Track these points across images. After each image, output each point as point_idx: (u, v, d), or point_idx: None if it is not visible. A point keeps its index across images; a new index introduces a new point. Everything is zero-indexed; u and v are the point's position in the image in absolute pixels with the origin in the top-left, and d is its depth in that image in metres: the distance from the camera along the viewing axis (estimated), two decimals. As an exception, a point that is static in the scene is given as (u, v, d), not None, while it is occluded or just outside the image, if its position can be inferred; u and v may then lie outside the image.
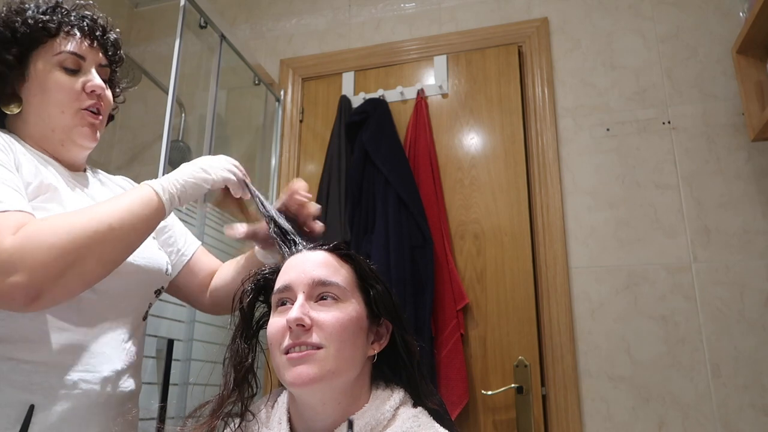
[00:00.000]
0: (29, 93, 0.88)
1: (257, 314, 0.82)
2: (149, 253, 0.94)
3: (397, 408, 0.73)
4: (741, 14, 1.81)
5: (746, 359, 1.60)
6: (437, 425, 0.73)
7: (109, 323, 0.87)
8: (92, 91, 0.90)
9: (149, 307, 0.98)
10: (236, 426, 0.75)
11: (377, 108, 2.02)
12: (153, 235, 1.01)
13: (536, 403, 1.68)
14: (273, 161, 2.20)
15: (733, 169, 1.74)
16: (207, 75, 1.92)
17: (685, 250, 1.72)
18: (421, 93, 2.06)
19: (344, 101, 2.12)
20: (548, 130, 1.93)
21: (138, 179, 1.10)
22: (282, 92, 2.27)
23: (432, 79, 2.10)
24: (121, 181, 1.08)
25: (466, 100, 2.05)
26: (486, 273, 1.85)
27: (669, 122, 1.84)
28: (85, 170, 0.99)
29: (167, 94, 1.54)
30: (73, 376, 0.80)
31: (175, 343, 1.49)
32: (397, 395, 0.75)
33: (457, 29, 2.15)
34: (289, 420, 0.75)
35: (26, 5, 0.89)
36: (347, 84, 2.19)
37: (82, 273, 0.74)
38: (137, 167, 2.36)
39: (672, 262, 1.72)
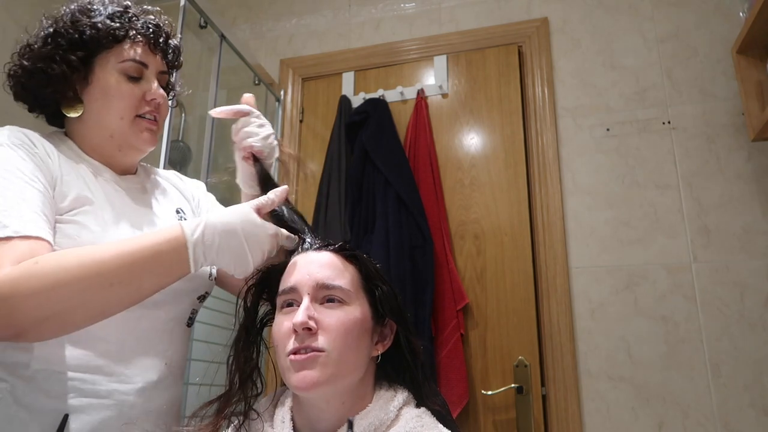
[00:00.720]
0: (91, 97, 0.87)
1: (261, 312, 0.81)
2: None
3: (401, 408, 0.73)
4: (741, 14, 1.81)
5: (746, 359, 1.60)
6: (440, 426, 0.73)
7: (147, 333, 0.85)
8: (152, 99, 0.90)
9: (194, 314, 0.95)
10: (240, 424, 0.75)
11: (377, 108, 2.02)
12: None
13: (536, 403, 1.68)
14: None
15: (733, 169, 1.74)
16: (207, 75, 1.92)
17: (685, 250, 1.72)
18: (421, 93, 2.06)
19: (344, 101, 2.12)
20: (548, 130, 1.93)
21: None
22: (282, 92, 2.27)
23: (432, 79, 2.10)
24: (173, 177, 1.07)
25: (466, 100, 2.05)
26: (486, 273, 1.85)
27: (669, 122, 1.84)
28: (135, 171, 0.97)
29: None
30: (108, 386, 0.79)
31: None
32: (401, 395, 0.75)
33: (457, 29, 2.15)
34: (293, 419, 0.75)
35: (94, 6, 0.87)
36: (347, 84, 2.19)
37: (64, 323, 0.71)
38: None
39: (672, 262, 1.72)
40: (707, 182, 1.76)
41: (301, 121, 2.24)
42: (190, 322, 0.95)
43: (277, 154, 1.00)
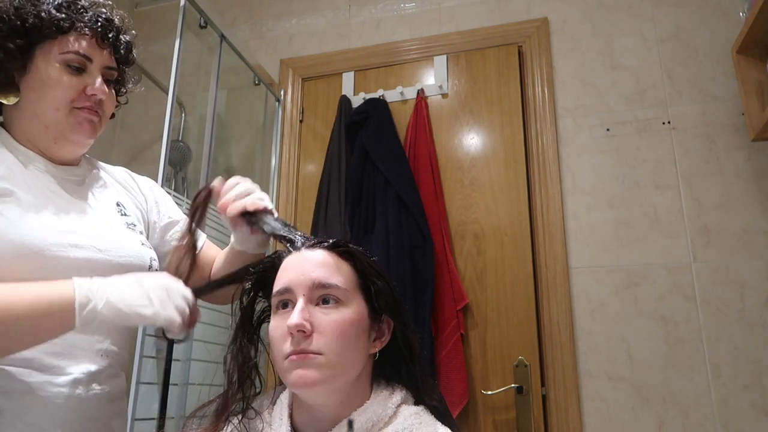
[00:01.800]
0: (28, 86, 0.85)
1: (258, 309, 0.81)
2: (129, 251, 0.90)
3: (399, 405, 0.73)
4: (741, 14, 1.81)
5: (746, 359, 1.60)
6: (438, 423, 0.73)
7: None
8: (92, 95, 0.87)
9: None
10: (239, 422, 0.75)
11: (377, 108, 2.02)
12: (141, 229, 0.99)
13: (536, 403, 1.68)
14: (273, 161, 2.20)
15: (733, 169, 1.74)
16: (207, 75, 1.92)
17: (685, 250, 1.72)
18: (421, 93, 2.06)
19: (344, 101, 2.12)
20: (548, 130, 1.93)
21: (138, 179, 1.10)
22: (282, 92, 2.27)
23: (432, 79, 2.10)
24: (121, 173, 1.05)
25: (466, 100, 2.05)
26: (486, 273, 1.85)
27: (669, 122, 1.84)
28: (78, 163, 0.95)
29: (167, 94, 1.54)
30: (39, 378, 0.77)
31: (175, 343, 1.49)
32: (399, 392, 0.75)
33: (457, 29, 2.15)
34: (291, 417, 0.75)
35: None
36: (347, 84, 2.19)
37: None
38: (137, 167, 2.32)
39: (672, 262, 1.72)
40: (707, 182, 1.76)
41: (301, 121, 2.24)
42: None
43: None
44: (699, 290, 1.68)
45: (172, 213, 1.08)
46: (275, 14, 2.42)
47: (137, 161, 2.38)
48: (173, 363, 1.46)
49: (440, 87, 2.07)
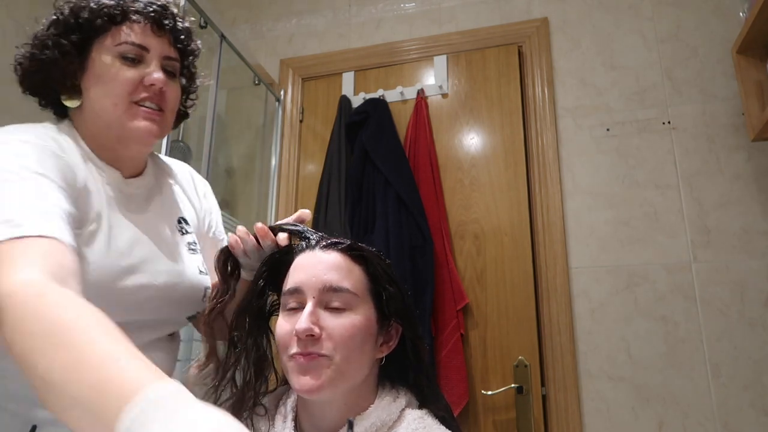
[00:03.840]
0: (88, 84, 0.80)
1: (268, 302, 0.81)
2: (186, 281, 0.85)
3: (403, 409, 0.73)
4: (741, 14, 1.81)
5: (746, 359, 1.60)
6: (443, 428, 0.72)
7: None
8: (151, 85, 0.80)
9: (178, 329, 0.92)
10: (248, 416, 0.75)
11: (377, 108, 2.02)
12: (199, 246, 0.93)
13: (536, 403, 1.68)
14: (273, 161, 2.20)
15: (733, 169, 1.74)
16: (207, 75, 1.92)
17: (685, 250, 1.72)
18: (421, 93, 2.06)
19: (344, 101, 2.12)
20: (548, 130, 1.93)
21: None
22: (282, 92, 2.27)
23: (432, 79, 2.10)
24: (184, 174, 0.98)
25: (466, 100, 2.05)
26: (486, 273, 1.85)
27: (669, 122, 1.84)
28: (143, 170, 0.89)
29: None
30: None
31: None
32: (404, 396, 0.74)
33: (457, 29, 2.15)
34: (295, 418, 0.75)
35: None
36: (347, 84, 2.19)
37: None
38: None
39: (672, 262, 1.72)
40: (707, 182, 1.76)
41: (301, 121, 2.24)
42: (173, 333, 0.91)
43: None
44: (699, 290, 1.68)
45: (218, 231, 1.03)
46: (275, 14, 2.42)
47: (137, 161, 2.37)
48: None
49: (440, 87, 2.07)
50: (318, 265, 0.73)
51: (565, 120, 1.94)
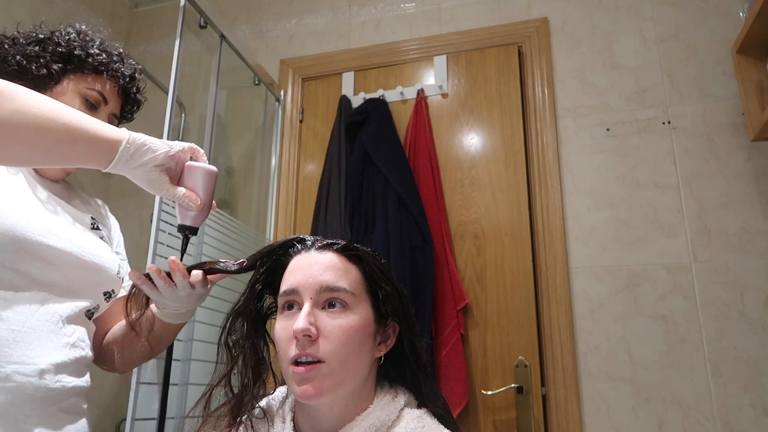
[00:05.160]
0: None
1: (264, 305, 0.81)
2: (100, 251, 0.94)
3: (402, 409, 0.73)
4: (741, 14, 1.81)
5: (746, 359, 1.60)
6: (442, 427, 0.72)
7: (49, 317, 0.85)
8: None
9: (95, 309, 0.95)
10: (248, 418, 0.75)
11: (377, 108, 2.02)
12: (105, 238, 1.03)
13: (536, 403, 1.68)
14: (273, 161, 2.20)
15: (733, 169, 1.74)
16: (207, 75, 1.92)
17: (685, 250, 1.72)
18: (421, 93, 2.06)
19: (344, 101, 2.12)
20: (548, 130, 1.93)
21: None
22: (282, 92, 2.27)
23: (432, 79, 2.10)
24: (95, 202, 1.10)
25: (466, 100, 2.05)
26: (486, 273, 1.85)
27: (669, 122, 1.84)
28: (60, 182, 1.01)
29: (167, 94, 1.54)
30: (7, 368, 0.78)
31: (175, 343, 1.49)
32: (402, 396, 0.74)
33: (457, 29, 2.15)
34: (294, 419, 0.75)
35: (90, 37, 0.99)
36: (347, 84, 2.19)
37: None
38: (137, 167, 2.35)
39: (672, 262, 1.72)
40: (707, 182, 1.76)
41: (301, 121, 2.24)
42: (90, 316, 0.95)
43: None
44: (699, 290, 1.68)
45: (122, 252, 1.12)
46: (275, 14, 2.42)
47: (137, 161, 2.37)
48: (173, 363, 1.46)
49: (440, 87, 2.07)
50: (314, 266, 0.73)
51: (565, 120, 1.94)
